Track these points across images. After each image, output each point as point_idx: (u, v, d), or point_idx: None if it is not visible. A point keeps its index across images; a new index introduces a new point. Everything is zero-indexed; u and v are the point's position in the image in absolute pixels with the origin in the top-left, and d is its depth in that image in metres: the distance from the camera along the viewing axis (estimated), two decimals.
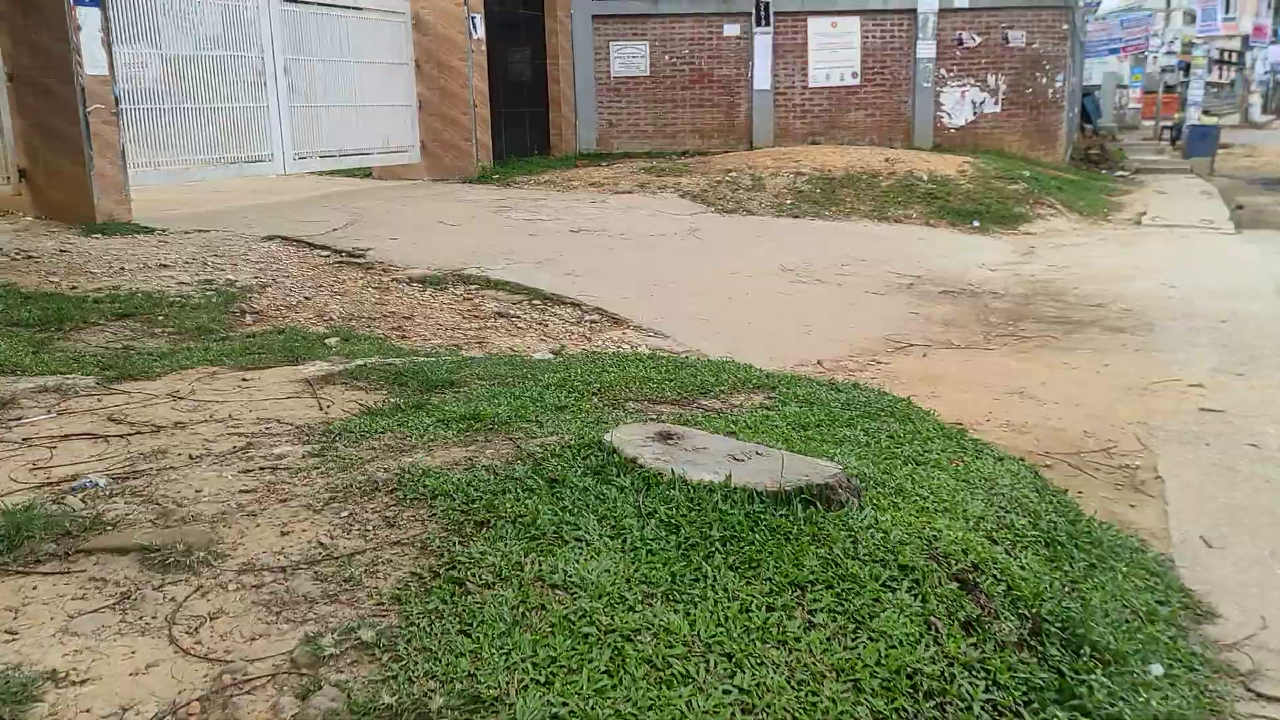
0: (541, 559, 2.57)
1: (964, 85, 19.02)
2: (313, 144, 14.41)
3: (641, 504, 2.92)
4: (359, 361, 5.42)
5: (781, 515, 2.94)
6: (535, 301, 8.84)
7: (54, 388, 5.05)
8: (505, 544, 2.66)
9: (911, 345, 8.09)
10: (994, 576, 3.07)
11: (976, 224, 14.22)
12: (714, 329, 8.31)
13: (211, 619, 2.41)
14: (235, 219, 12.06)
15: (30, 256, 9.35)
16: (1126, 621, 3.49)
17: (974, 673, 2.64)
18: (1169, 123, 28.70)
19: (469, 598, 2.41)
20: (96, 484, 3.45)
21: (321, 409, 4.56)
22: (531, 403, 4.45)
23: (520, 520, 2.78)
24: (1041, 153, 18.97)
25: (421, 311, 8.42)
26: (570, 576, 2.50)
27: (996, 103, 19.05)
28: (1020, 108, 19.05)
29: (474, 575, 2.50)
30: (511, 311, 8.55)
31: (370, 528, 2.85)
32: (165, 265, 9.19)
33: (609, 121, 19.97)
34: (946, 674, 2.57)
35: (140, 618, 2.43)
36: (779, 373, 5.55)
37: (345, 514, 2.95)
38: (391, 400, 4.58)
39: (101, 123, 10.98)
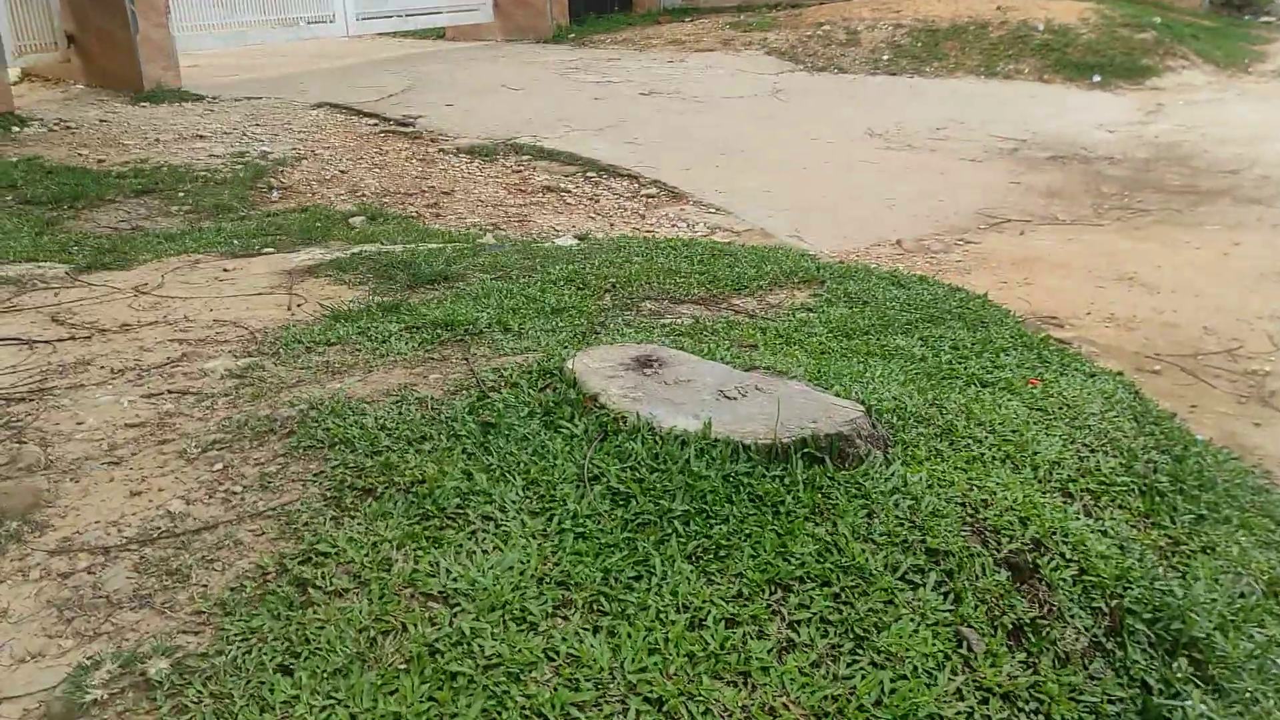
0: (422, 551, 1.91)
1: None
2: (377, 3, 13.59)
3: (589, 462, 2.23)
4: (355, 250, 4.79)
5: (773, 479, 2.23)
6: (590, 174, 8.06)
7: (15, 279, 4.55)
8: (386, 524, 2.00)
9: (1008, 221, 7.12)
10: (1062, 556, 2.33)
11: (1097, 79, 12.77)
12: (783, 204, 7.45)
13: None
14: (290, 85, 11.45)
15: (69, 127, 8.90)
16: (1242, 596, 2.72)
17: (1018, 707, 1.94)
18: None
19: (309, 611, 1.78)
20: None
21: (290, 309, 3.97)
22: (526, 303, 3.77)
23: (416, 488, 2.11)
24: None
25: (464, 186, 7.73)
26: (454, 580, 1.84)
27: None
28: None
29: (325, 576, 1.86)
30: (562, 185, 7.81)
31: (240, 488, 2.23)
32: (201, 136, 8.65)
33: None
34: (978, 715, 1.87)
35: None
36: (832, 263, 4.74)
37: (220, 466, 2.34)
38: (370, 299, 3.95)
39: None
